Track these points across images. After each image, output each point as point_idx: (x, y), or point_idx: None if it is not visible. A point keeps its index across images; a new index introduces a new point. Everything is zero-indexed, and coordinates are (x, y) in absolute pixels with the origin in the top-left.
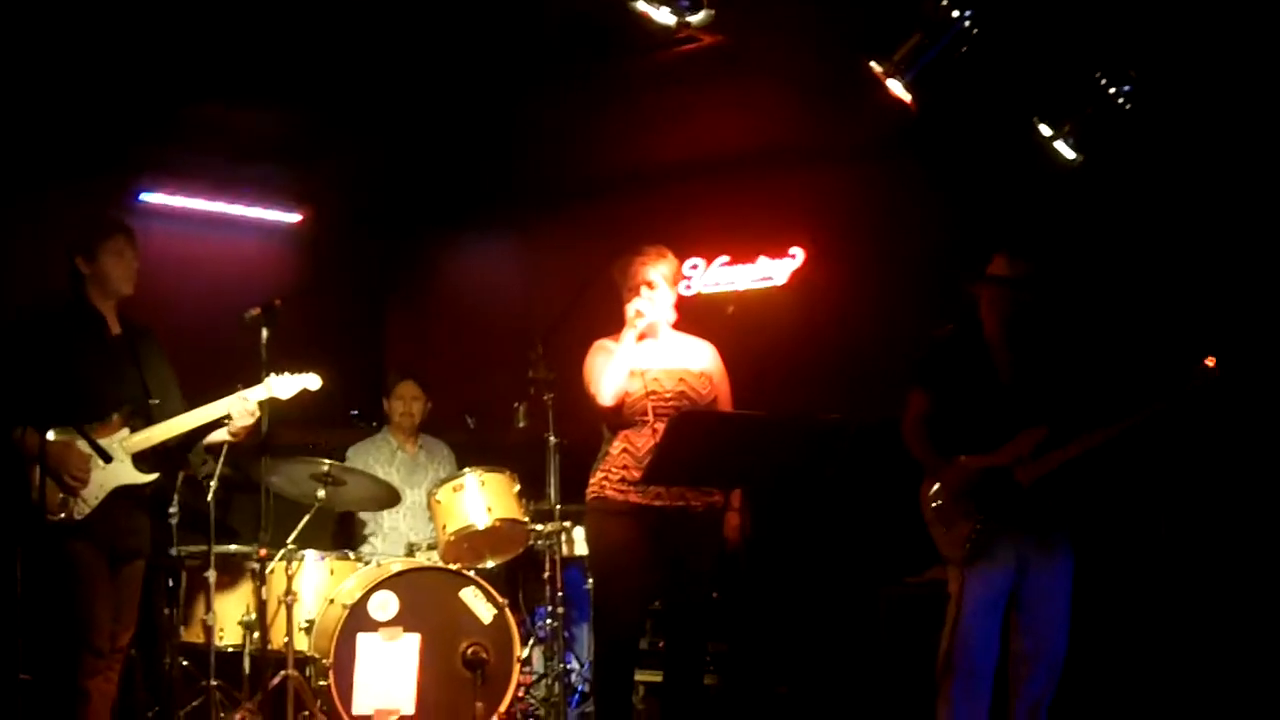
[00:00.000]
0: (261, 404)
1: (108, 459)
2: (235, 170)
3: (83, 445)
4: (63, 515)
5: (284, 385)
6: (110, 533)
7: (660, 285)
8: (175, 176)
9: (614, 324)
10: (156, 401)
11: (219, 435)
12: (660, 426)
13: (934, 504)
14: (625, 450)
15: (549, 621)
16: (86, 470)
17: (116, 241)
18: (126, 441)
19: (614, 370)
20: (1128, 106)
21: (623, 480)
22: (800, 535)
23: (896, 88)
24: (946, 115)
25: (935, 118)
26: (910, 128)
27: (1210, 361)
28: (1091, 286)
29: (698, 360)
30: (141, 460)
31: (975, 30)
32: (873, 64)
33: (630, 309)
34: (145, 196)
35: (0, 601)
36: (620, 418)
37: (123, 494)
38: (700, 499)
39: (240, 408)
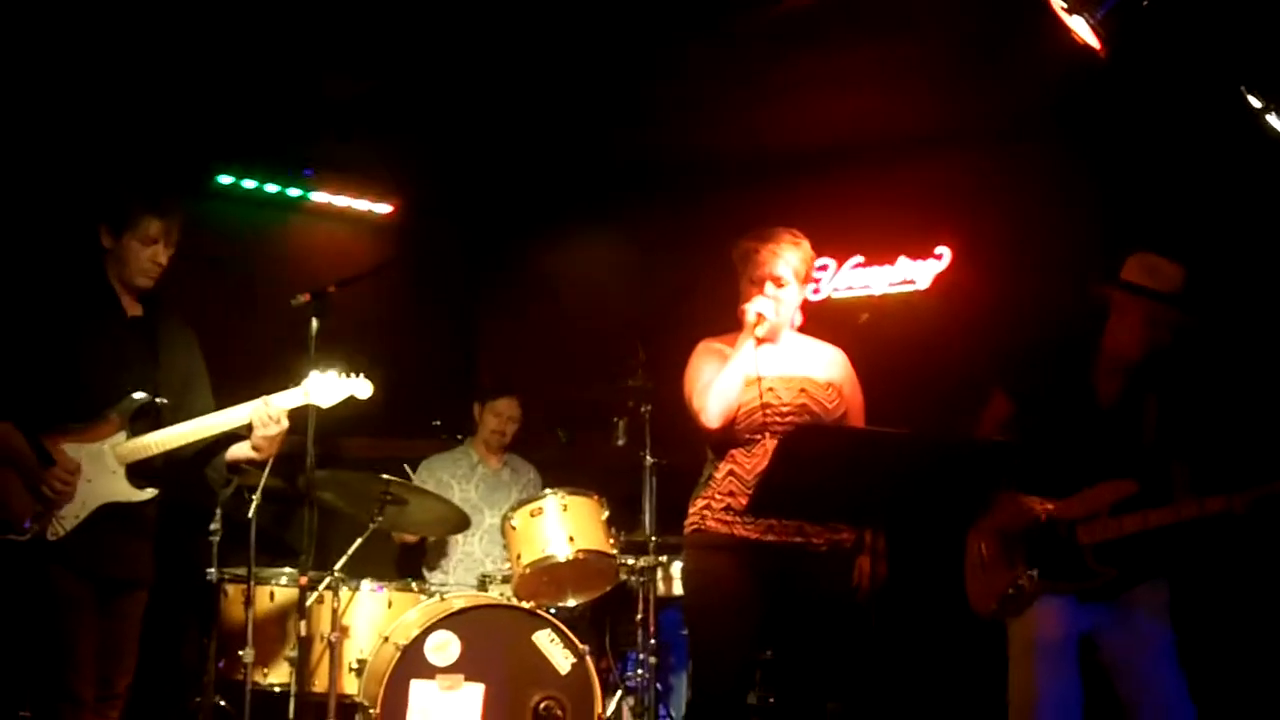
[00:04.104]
0: (296, 414)
1: (48, 461)
2: (323, 154)
3: (69, 448)
4: (38, 531)
5: (325, 390)
6: (95, 559)
7: (789, 282)
8: (257, 157)
9: (725, 320)
10: (165, 402)
11: (241, 450)
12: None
13: (980, 544)
14: (732, 474)
15: (640, 671)
16: (72, 480)
17: (150, 226)
18: (119, 448)
19: (725, 381)
20: None
21: (728, 509)
22: (938, 583)
23: (1080, 27)
24: (1133, 73)
25: (1117, 82)
26: (1081, 100)
27: None
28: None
29: (824, 369)
30: (139, 473)
31: None
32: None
33: (750, 309)
34: (223, 178)
35: None
36: (729, 434)
37: (110, 513)
38: (824, 535)
39: (262, 415)
